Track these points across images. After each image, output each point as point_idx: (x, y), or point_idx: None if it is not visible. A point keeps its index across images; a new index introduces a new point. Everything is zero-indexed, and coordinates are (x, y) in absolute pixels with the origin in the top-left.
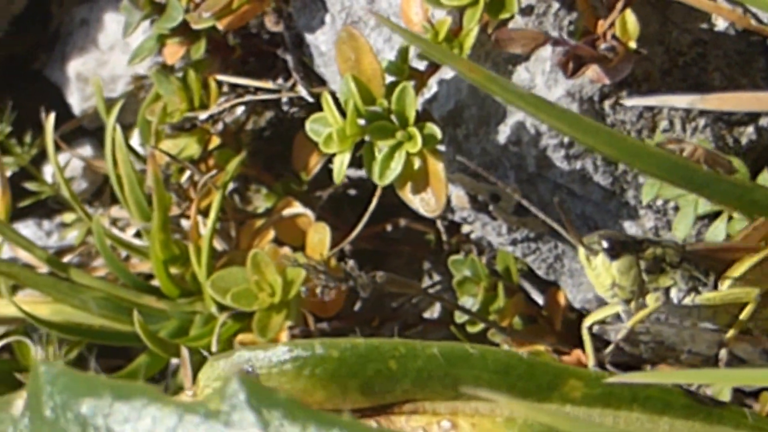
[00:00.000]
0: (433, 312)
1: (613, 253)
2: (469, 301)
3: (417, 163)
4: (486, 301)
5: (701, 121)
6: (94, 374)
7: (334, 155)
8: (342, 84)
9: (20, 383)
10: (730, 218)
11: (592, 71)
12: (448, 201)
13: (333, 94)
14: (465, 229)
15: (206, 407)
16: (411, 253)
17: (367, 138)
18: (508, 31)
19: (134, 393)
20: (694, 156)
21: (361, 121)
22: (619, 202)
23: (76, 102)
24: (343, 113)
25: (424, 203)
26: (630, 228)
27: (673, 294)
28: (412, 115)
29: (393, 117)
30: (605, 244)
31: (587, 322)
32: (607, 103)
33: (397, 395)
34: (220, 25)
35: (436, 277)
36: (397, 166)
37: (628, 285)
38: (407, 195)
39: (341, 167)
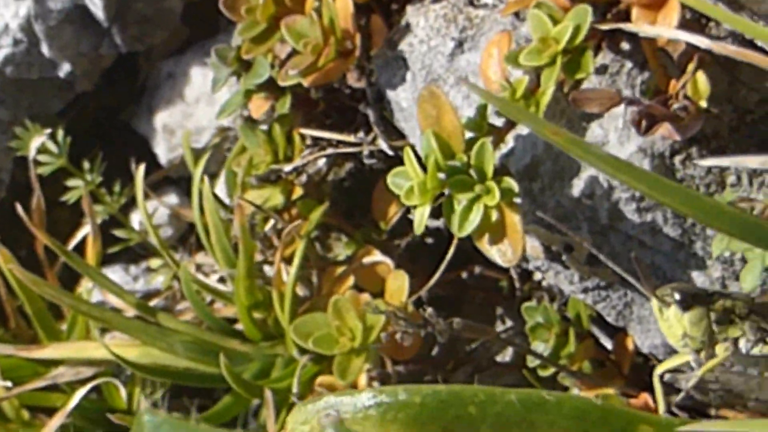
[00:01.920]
0: (505, 356)
1: (685, 305)
2: (541, 346)
3: (495, 216)
4: (557, 346)
5: (767, 177)
6: (194, 423)
7: (411, 206)
8: (423, 140)
9: (109, 422)
10: None
11: (664, 129)
12: (523, 250)
13: (413, 149)
14: (536, 276)
15: None
16: (484, 299)
17: (446, 191)
18: (585, 91)
19: None
20: (765, 214)
21: (441, 175)
22: (688, 253)
23: (162, 152)
24: (423, 167)
25: (501, 254)
26: (698, 278)
27: (742, 344)
28: (490, 170)
29: (472, 171)
30: (677, 296)
31: (659, 370)
32: (677, 159)
33: None
34: (306, 83)
35: (509, 323)
36: (475, 218)
37: (699, 335)
38: (485, 245)
39: (422, 219)
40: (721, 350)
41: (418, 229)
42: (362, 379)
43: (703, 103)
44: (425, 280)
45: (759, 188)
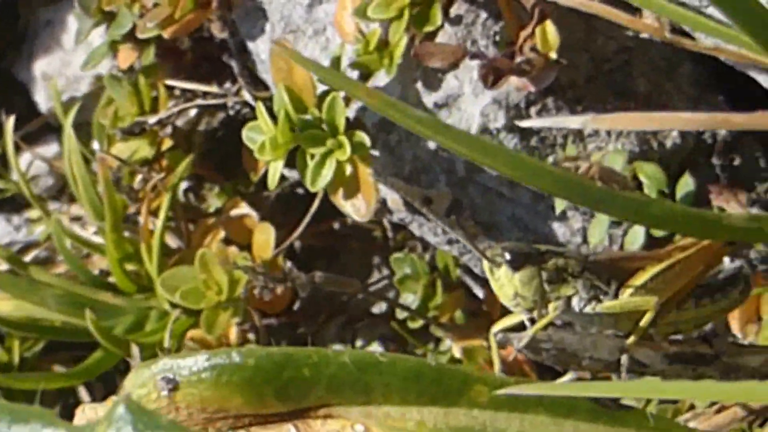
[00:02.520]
0: (382, 306)
1: (515, 264)
2: (410, 297)
3: (348, 170)
4: (425, 297)
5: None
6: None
7: (265, 161)
8: (275, 94)
9: None
10: None
11: (518, 80)
12: (385, 203)
13: (269, 102)
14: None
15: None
16: (360, 249)
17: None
18: (427, 45)
19: (31, 417)
20: (590, 173)
21: (296, 130)
22: (548, 204)
23: (42, 100)
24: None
25: (354, 208)
26: (558, 229)
27: (575, 303)
28: (341, 124)
29: (324, 126)
30: (507, 256)
31: (493, 329)
32: (533, 110)
33: (312, 401)
34: (166, 34)
35: (385, 272)
36: (328, 173)
37: (530, 295)
38: (339, 200)
39: (275, 173)
40: (553, 309)
41: (272, 184)
42: (232, 333)
43: (553, 55)
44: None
45: (617, 138)
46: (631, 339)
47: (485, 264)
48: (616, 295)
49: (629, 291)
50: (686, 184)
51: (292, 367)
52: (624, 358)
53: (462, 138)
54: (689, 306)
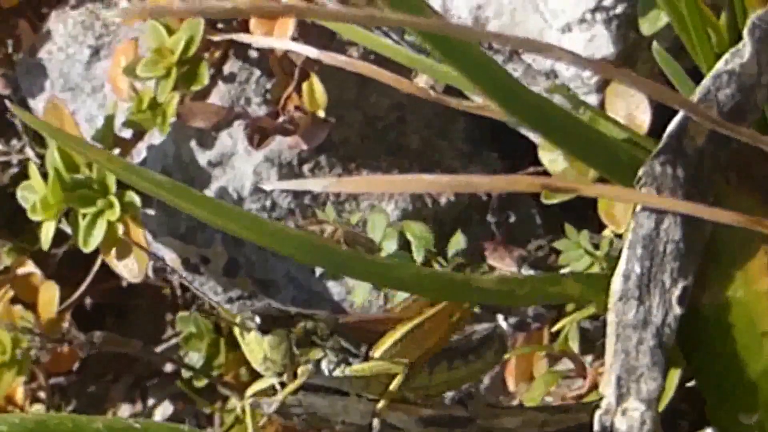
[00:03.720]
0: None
1: (264, 328)
2: (196, 356)
3: (120, 230)
4: (210, 356)
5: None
6: None
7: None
8: (47, 153)
9: None
10: None
11: (290, 139)
12: (164, 263)
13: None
14: None
15: None
16: (150, 307)
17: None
18: (190, 105)
19: None
20: (335, 236)
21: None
22: None
23: None
24: None
25: (127, 269)
26: (334, 288)
27: (325, 366)
28: (112, 184)
29: (95, 185)
30: (257, 320)
31: (247, 393)
32: (306, 167)
33: None
34: None
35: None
36: (99, 233)
37: (279, 359)
38: (113, 261)
39: (47, 233)
40: (302, 373)
41: (45, 244)
42: (19, 392)
43: (321, 113)
44: (86, 290)
45: (390, 197)
46: (382, 403)
47: (235, 330)
48: (366, 358)
49: (379, 353)
50: (457, 242)
51: None
52: (375, 422)
53: (202, 202)
54: (443, 368)
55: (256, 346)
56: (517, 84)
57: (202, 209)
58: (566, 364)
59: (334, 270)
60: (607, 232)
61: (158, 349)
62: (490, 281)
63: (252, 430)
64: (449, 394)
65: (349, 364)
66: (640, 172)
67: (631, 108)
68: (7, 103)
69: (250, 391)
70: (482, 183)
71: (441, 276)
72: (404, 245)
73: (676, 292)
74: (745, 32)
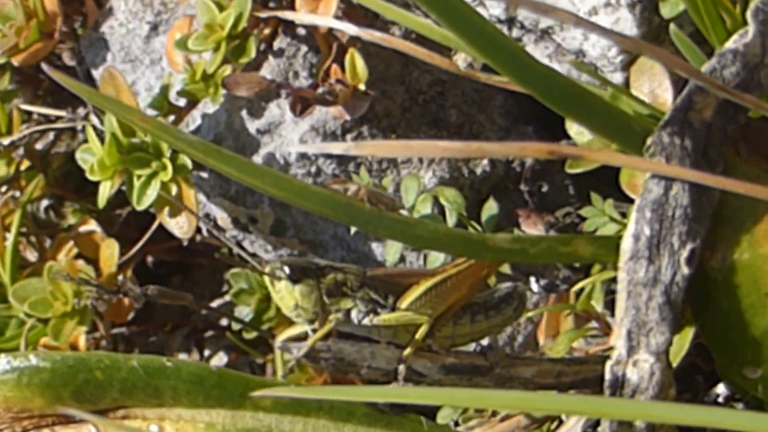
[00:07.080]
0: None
1: (295, 278)
2: (245, 310)
3: (173, 190)
4: (259, 310)
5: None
6: None
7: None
8: (105, 118)
9: None
10: None
11: (335, 109)
12: (216, 222)
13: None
14: None
15: None
16: (209, 264)
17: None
18: (234, 76)
19: None
20: (359, 195)
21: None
22: None
23: None
24: None
25: (178, 227)
26: (377, 249)
27: (354, 315)
28: (165, 147)
29: (150, 149)
30: (286, 270)
31: (278, 339)
32: (349, 137)
33: (108, 402)
34: (16, 62)
35: None
36: (152, 193)
37: (310, 307)
38: (165, 219)
39: (104, 193)
40: (331, 320)
41: (101, 202)
42: (81, 341)
43: (362, 86)
44: (149, 247)
45: (429, 165)
46: (408, 350)
47: (266, 278)
48: (393, 309)
49: (405, 304)
50: (490, 208)
51: (85, 370)
52: (401, 368)
53: (231, 161)
54: (465, 321)
55: (287, 294)
56: (533, 60)
57: (230, 167)
58: (595, 324)
59: (359, 226)
60: None
61: (215, 304)
62: (503, 240)
63: (282, 372)
64: (472, 346)
65: (377, 313)
66: (649, 141)
67: (654, 86)
68: (58, 75)
69: (281, 336)
70: (494, 149)
71: (457, 234)
72: (441, 211)
73: (685, 253)
74: (749, 15)
